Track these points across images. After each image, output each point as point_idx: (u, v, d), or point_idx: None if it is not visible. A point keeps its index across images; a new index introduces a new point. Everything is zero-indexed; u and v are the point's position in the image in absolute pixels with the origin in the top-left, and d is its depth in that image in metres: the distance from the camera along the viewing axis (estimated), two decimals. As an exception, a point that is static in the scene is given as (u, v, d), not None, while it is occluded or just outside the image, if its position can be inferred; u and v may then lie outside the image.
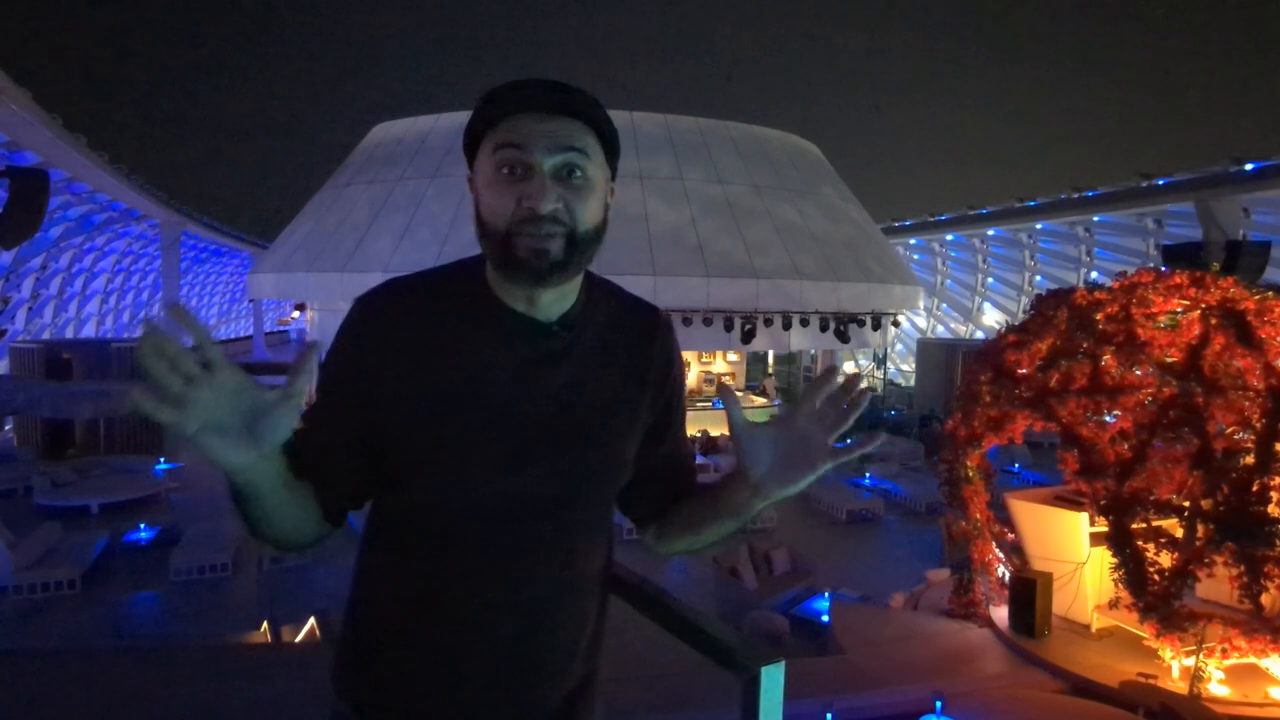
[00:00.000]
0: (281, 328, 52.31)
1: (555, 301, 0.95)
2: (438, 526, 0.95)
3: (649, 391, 1.03)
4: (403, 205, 14.35)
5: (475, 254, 0.98)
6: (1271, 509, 5.26)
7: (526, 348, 0.94)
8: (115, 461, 12.58)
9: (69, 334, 24.86)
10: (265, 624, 6.25)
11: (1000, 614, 6.69)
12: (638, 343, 1.03)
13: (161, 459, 12.99)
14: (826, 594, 7.68)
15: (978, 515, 6.99)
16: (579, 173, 0.90)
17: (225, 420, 0.72)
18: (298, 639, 5.89)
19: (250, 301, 33.26)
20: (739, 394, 19.13)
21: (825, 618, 7.19)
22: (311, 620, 6.06)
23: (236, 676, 3.42)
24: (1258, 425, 5.57)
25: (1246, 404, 5.66)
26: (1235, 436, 5.70)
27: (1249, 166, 16.61)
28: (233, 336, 46.61)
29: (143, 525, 9.40)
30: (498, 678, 0.97)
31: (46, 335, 22.67)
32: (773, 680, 0.89)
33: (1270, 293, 6.01)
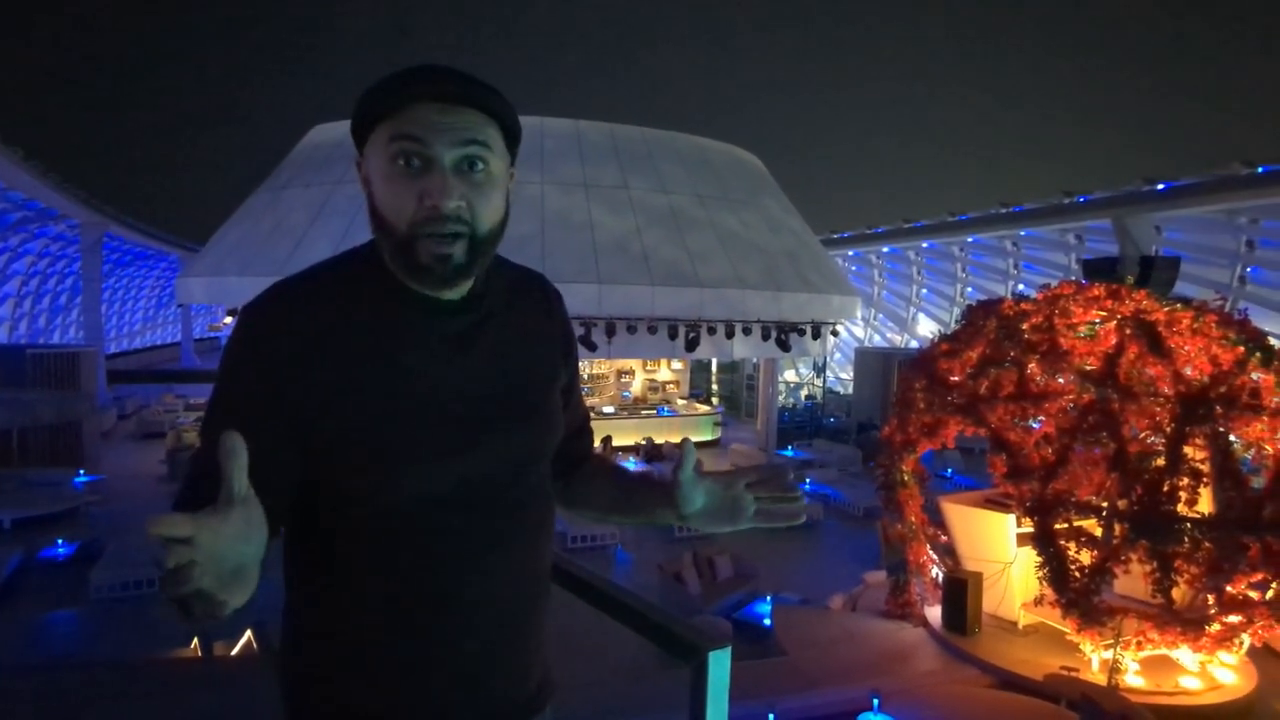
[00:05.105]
0: (212, 334, 50.32)
1: None
2: (394, 529, 0.89)
3: (560, 354, 1.05)
4: (342, 209, 14.02)
5: (362, 242, 0.94)
6: (1180, 508, 5.54)
7: (445, 327, 0.91)
8: (30, 474, 11.92)
9: (-22, 339, 23.49)
10: (195, 640, 6.01)
11: (934, 613, 6.92)
12: (541, 308, 1.05)
13: (81, 471, 12.37)
14: (768, 597, 7.80)
15: (913, 518, 7.21)
16: (480, 166, 0.86)
17: (231, 565, 0.63)
18: (233, 653, 5.69)
19: (179, 307, 31.95)
20: (683, 402, 19.34)
21: (767, 621, 7.30)
22: (249, 633, 5.85)
23: (168, 692, 3.29)
24: (1168, 429, 5.88)
25: (1158, 409, 5.98)
26: (1148, 440, 6.00)
27: (1160, 186, 17.62)
28: (159, 343, 44.69)
29: (60, 540, 8.93)
30: (466, 679, 0.94)
31: (-47, 341, 21.38)
32: (720, 664, 0.92)
33: (1179, 305, 6.37)
